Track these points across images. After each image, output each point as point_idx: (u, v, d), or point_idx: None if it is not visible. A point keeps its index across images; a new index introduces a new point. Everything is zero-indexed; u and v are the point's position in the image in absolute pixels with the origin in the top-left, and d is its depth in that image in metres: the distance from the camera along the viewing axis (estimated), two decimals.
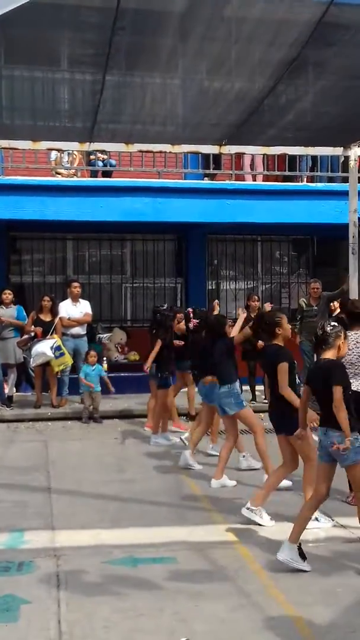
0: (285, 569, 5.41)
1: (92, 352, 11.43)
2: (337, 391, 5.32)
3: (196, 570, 5.49)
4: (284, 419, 6.32)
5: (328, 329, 5.55)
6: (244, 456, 8.25)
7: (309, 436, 6.15)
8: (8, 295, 11.94)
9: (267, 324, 6.62)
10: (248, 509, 6.35)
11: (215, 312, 8.92)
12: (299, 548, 5.38)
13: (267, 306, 7.96)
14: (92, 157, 13.21)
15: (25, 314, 12.04)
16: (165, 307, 10.51)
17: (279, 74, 7.58)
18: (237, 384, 7.64)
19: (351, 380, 6.72)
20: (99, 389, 11.29)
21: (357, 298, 11.23)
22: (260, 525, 6.29)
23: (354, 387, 6.61)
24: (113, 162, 13.45)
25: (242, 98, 8.36)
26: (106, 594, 5.08)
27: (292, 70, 7.50)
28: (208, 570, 5.47)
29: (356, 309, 7.11)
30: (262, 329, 6.83)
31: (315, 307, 12.10)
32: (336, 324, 5.67)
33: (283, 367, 6.29)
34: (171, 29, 6.64)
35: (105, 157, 13.20)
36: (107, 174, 13.48)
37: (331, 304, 11.60)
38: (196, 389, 9.42)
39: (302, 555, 5.36)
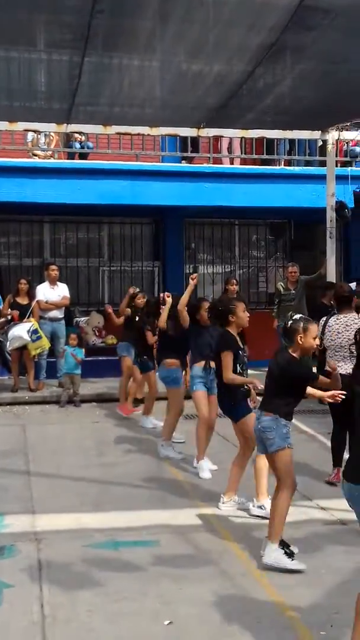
0: None
1: (73, 335, 11.40)
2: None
3: (179, 553, 5.51)
4: (232, 406, 6.45)
5: (289, 323, 5.54)
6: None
7: None
8: None
9: (220, 310, 6.62)
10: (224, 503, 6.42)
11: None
12: (286, 546, 5.30)
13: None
14: (71, 139, 13.10)
15: (0, 297, 11.96)
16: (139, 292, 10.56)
17: (258, 58, 7.55)
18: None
19: (340, 364, 6.79)
20: (79, 372, 11.25)
21: (335, 281, 11.32)
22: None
23: (342, 371, 6.65)
24: (90, 144, 13.34)
25: (220, 82, 8.32)
26: (89, 577, 5.08)
27: (271, 55, 7.47)
28: (191, 554, 5.49)
29: (344, 293, 7.16)
30: (216, 316, 6.79)
31: (293, 291, 12.12)
32: (298, 317, 5.60)
33: (227, 355, 6.33)
34: (150, 11, 6.57)
35: (82, 138, 13.08)
36: (84, 156, 13.37)
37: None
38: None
39: (290, 554, 5.23)
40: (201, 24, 6.85)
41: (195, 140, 13.10)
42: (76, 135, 12.71)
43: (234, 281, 12.55)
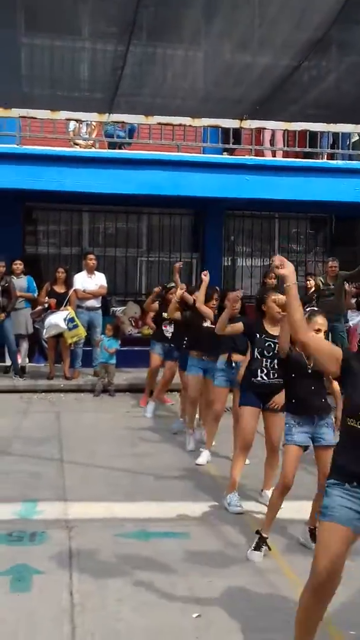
0: (299, 549, 5.40)
1: (109, 325, 11.44)
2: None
3: (209, 546, 5.49)
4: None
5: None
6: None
7: None
8: (19, 265, 11.97)
9: (257, 299, 6.62)
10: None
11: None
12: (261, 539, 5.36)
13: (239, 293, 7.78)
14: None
15: (35, 285, 12.04)
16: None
17: (304, 53, 7.43)
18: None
19: None
20: (114, 361, 11.28)
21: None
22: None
23: None
24: (121, 133, 13.25)
25: (265, 76, 8.22)
26: (118, 567, 5.08)
27: (317, 50, 7.36)
28: (221, 548, 5.47)
29: None
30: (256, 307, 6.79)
31: (332, 286, 11.99)
32: (313, 308, 5.55)
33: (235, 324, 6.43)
34: (196, 5, 6.51)
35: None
36: (119, 146, 13.33)
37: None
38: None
39: (257, 546, 5.33)
40: (247, 21, 6.77)
41: (237, 132, 13.00)
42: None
43: (273, 275, 12.45)
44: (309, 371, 5.40)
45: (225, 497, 6.34)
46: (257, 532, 5.41)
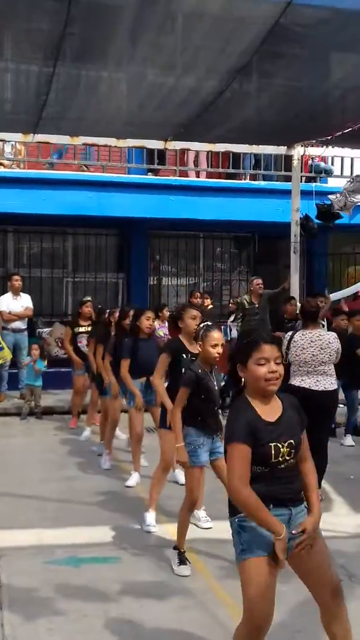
0: (230, 568, 5.41)
1: (35, 346, 11.33)
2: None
3: (141, 570, 5.46)
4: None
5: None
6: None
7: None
8: None
9: (172, 316, 6.69)
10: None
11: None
12: (180, 552, 5.43)
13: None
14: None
15: None
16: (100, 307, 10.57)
17: (228, 80, 7.60)
18: None
19: (303, 379, 6.90)
20: (40, 383, 11.17)
21: (298, 296, 11.39)
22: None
23: (305, 385, 6.70)
24: None
25: (189, 100, 8.36)
26: (49, 595, 5.00)
27: (240, 78, 7.52)
28: (153, 570, 5.44)
29: (310, 308, 7.19)
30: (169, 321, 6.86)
31: (257, 305, 12.16)
32: (207, 323, 5.64)
33: (161, 357, 6.33)
34: (121, 33, 6.56)
35: None
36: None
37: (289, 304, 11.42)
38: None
39: (182, 560, 5.41)
40: (171, 46, 6.86)
41: (161, 153, 13.13)
42: None
43: (198, 294, 12.59)
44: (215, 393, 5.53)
45: (142, 516, 6.34)
46: (175, 547, 5.46)
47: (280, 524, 3.45)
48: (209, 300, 12.85)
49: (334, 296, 11.52)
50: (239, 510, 3.55)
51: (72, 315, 10.48)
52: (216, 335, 5.41)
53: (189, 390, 5.45)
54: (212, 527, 6.25)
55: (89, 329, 10.12)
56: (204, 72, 7.41)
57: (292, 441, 3.53)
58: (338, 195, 11.34)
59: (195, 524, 6.12)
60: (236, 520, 3.59)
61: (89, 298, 10.85)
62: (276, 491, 3.50)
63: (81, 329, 10.29)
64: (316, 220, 11.74)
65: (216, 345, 5.42)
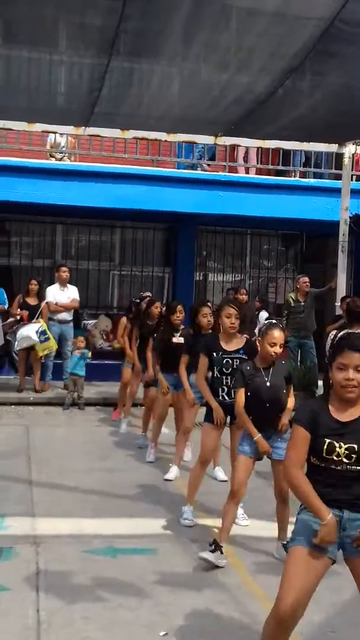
0: (265, 564, 5.43)
1: (80, 338, 11.42)
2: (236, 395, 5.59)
3: (176, 563, 5.50)
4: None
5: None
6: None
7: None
8: None
9: (213, 312, 6.71)
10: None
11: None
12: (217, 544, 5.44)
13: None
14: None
15: (5, 296, 11.95)
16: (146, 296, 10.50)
17: (280, 80, 7.55)
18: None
19: None
20: (83, 374, 11.27)
21: (350, 296, 11.28)
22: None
23: None
24: None
25: (240, 100, 8.33)
26: (86, 584, 5.07)
27: (293, 78, 7.48)
28: (188, 564, 5.47)
29: (356, 308, 7.13)
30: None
31: (303, 303, 12.10)
32: (271, 321, 5.66)
33: (200, 358, 6.32)
34: (174, 33, 6.55)
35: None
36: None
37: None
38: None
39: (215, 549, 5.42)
40: (225, 46, 6.84)
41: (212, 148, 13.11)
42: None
43: (243, 290, 12.56)
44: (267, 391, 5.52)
45: (180, 510, 6.38)
46: (214, 540, 5.47)
47: (326, 510, 3.48)
48: (244, 295, 12.67)
49: None
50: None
51: (135, 313, 10.06)
52: (277, 334, 5.44)
53: (244, 388, 5.52)
54: (249, 525, 6.25)
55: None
56: (257, 72, 7.37)
57: (354, 446, 3.52)
58: None
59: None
60: (297, 511, 3.71)
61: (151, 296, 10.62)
62: (330, 491, 3.53)
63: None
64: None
65: (275, 344, 5.43)
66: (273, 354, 5.47)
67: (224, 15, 6.15)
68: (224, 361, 6.15)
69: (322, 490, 3.53)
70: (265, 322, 5.64)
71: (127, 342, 9.99)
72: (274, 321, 5.64)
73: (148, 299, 9.92)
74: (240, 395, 5.55)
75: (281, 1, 6.01)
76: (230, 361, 6.13)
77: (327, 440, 3.52)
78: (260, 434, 5.45)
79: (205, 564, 5.37)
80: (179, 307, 8.14)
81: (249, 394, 5.52)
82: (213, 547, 5.41)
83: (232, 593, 4.99)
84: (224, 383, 6.15)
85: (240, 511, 6.25)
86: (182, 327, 8.10)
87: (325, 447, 3.52)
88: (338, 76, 7.45)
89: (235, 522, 6.05)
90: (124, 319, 10.34)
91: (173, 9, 6.14)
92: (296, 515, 3.72)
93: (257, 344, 5.58)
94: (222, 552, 5.39)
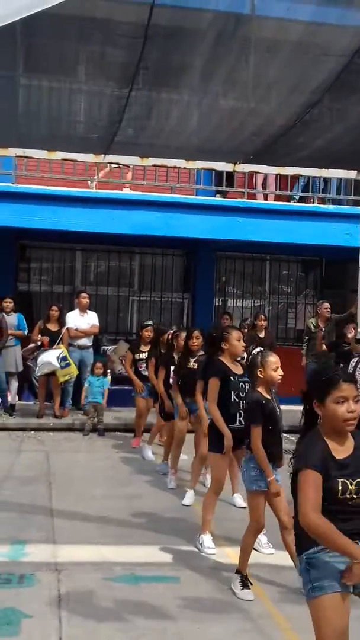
0: (289, 594, 5.37)
1: (99, 364, 11.44)
2: (253, 432, 5.42)
3: (199, 591, 5.45)
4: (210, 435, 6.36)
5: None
6: None
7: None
8: (9, 303, 11.89)
9: (214, 337, 6.60)
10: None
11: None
12: (244, 577, 5.39)
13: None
14: None
15: (25, 322, 12.01)
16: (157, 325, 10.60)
17: (298, 115, 7.60)
18: None
19: None
20: (103, 400, 11.30)
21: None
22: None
23: None
24: None
25: (259, 134, 8.38)
26: (107, 611, 5.04)
27: (312, 113, 7.52)
28: (211, 592, 5.43)
29: None
30: (209, 342, 6.79)
31: (324, 329, 12.06)
32: (256, 351, 5.62)
33: (212, 382, 6.25)
34: (194, 70, 6.63)
35: None
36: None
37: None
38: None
39: (245, 584, 5.36)
40: (244, 82, 6.90)
41: (230, 175, 13.19)
42: None
43: (263, 316, 12.55)
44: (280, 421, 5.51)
45: (198, 539, 6.33)
46: (237, 571, 5.43)
47: (356, 548, 3.34)
48: (264, 322, 12.61)
49: None
50: (306, 546, 3.50)
51: (133, 340, 10.54)
52: (274, 359, 5.46)
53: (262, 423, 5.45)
54: (273, 553, 6.20)
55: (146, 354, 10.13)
56: (276, 107, 7.42)
57: None
58: None
59: (256, 549, 6.09)
60: (304, 557, 3.52)
61: (151, 322, 10.83)
62: (349, 528, 3.44)
63: (141, 355, 10.29)
64: None
65: (277, 367, 5.44)
66: (279, 377, 5.49)
67: (243, 51, 6.20)
68: (240, 385, 6.16)
69: (339, 528, 3.40)
70: (257, 352, 5.66)
71: (131, 372, 10.24)
72: (260, 348, 5.67)
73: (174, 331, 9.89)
74: (259, 432, 5.42)
75: (301, 37, 6.07)
76: (244, 385, 6.15)
77: (340, 481, 3.45)
78: (273, 476, 5.40)
79: (222, 592, 5.34)
80: (196, 333, 8.17)
81: (270, 427, 5.46)
82: (240, 582, 5.38)
83: (256, 623, 4.94)
84: (242, 407, 6.14)
85: (264, 539, 6.21)
86: (199, 353, 8.12)
87: (340, 487, 3.44)
88: (356, 110, 7.49)
89: (258, 550, 6.02)
90: (129, 352, 10.44)
91: (193, 45, 6.21)
92: (308, 559, 3.52)
93: (260, 374, 5.53)
94: (249, 587, 5.36)
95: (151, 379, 9.55)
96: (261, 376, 5.48)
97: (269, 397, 5.53)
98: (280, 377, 5.49)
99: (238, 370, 6.25)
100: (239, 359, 6.50)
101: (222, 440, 6.11)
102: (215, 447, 6.18)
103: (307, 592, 3.52)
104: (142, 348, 10.32)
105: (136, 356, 10.38)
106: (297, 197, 13.94)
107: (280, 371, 5.48)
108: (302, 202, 13.85)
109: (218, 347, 6.39)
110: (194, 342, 8.11)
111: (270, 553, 6.20)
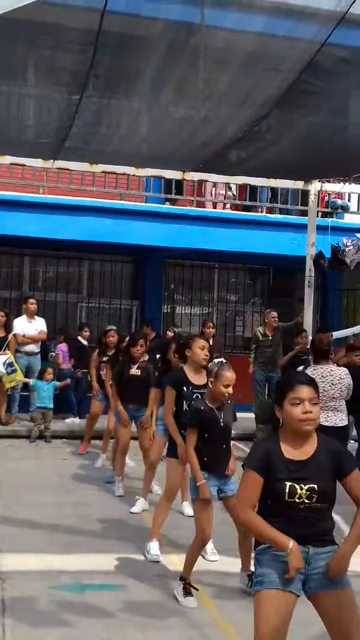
0: (235, 601, 5.40)
1: (49, 369, 11.39)
2: (187, 436, 5.59)
3: (145, 599, 5.45)
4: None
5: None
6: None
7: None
8: None
9: (180, 344, 6.62)
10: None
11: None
12: (187, 584, 5.41)
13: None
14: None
15: None
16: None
17: (247, 127, 7.69)
18: None
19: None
20: (52, 406, 11.23)
21: (311, 330, 11.40)
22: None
23: (323, 421, 6.68)
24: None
25: (208, 144, 8.46)
26: (53, 620, 5.00)
27: (261, 125, 7.62)
28: (157, 600, 5.43)
29: (322, 346, 7.21)
30: (175, 350, 6.82)
31: (271, 337, 12.17)
32: (217, 361, 5.67)
33: (167, 391, 6.26)
34: (149, 70, 6.65)
35: None
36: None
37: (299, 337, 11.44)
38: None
39: (188, 592, 5.38)
40: (194, 95, 6.95)
41: (179, 183, 13.25)
42: None
43: (211, 324, 12.61)
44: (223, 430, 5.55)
45: (145, 545, 6.32)
46: (181, 578, 5.44)
47: (287, 538, 3.45)
48: (212, 329, 12.68)
49: (338, 334, 11.38)
50: (257, 543, 3.62)
51: (98, 343, 10.45)
52: (229, 375, 5.48)
53: (198, 429, 5.48)
54: (218, 560, 6.23)
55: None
56: (226, 119, 7.52)
57: (314, 486, 3.52)
58: (351, 244, 11.46)
59: (202, 556, 6.10)
60: (255, 554, 3.65)
61: (113, 327, 10.72)
62: (295, 531, 3.50)
63: (104, 358, 10.19)
64: (328, 256, 11.80)
65: (228, 385, 5.47)
66: (227, 394, 5.51)
67: (194, 61, 6.24)
68: (194, 396, 6.12)
69: (285, 529, 3.49)
70: (217, 362, 5.68)
71: (94, 375, 10.04)
72: (223, 361, 5.69)
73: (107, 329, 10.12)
74: (193, 437, 5.49)
75: (252, 48, 6.13)
76: (200, 396, 6.09)
77: (288, 484, 3.50)
78: (203, 480, 5.43)
79: (169, 600, 5.35)
80: (141, 342, 8.19)
81: (206, 435, 5.50)
82: (183, 589, 5.39)
83: (202, 630, 4.95)
84: None
85: (210, 546, 6.23)
86: (142, 359, 8.15)
87: (287, 490, 3.50)
88: (304, 124, 7.63)
89: (203, 557, 6.04)
90: (95, 355, 10.33)
91: (145, 53, 6.22)
92: (254, 560, 3.66)
93: (210, 384, 5.57)
94: (192, 595, 5.37)
95: (106, 385, 9.52)
96: (210, 386, 5.52)
97: (212, 407, 5.55)
98: (228, 394, 5.50)
99: (199, 380, 6.17)
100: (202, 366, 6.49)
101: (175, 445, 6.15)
102: (173, 452, 6.19)
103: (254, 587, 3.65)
104: (108, 352, 10.19)
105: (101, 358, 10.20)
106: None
107: (230, 389, 5.50)
108: (250, 212, 13.98)
109: (182, 355, 6.38)
110: (137, 350, 8.11)
111: (215, 560, 6.22)
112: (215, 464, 5.52)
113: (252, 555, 3.80)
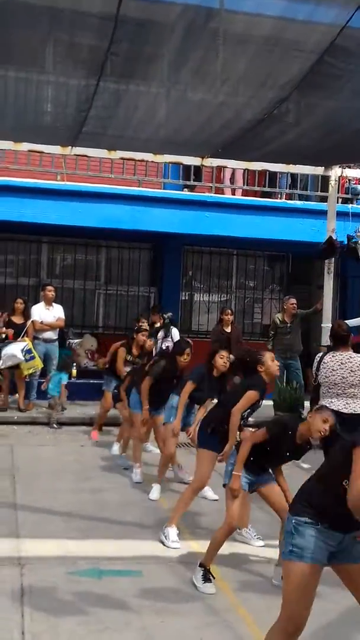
0: (253, 588, 5.39)
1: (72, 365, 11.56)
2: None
3: (163, 585, 5.45)
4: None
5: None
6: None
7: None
8: None
9: (247, 362, 6.31)
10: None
11: None
12: (207, 570, 5.39)
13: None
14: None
15: None
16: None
17: (267, 110, 7.60)
18: None
19: (332, 400, 6.87)
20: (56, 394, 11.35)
21: (330, 317, 11.32)
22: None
23: (334, 407, 6.65)
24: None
25: (227, 127, 8.37)
26: (71, 605, 5.02)
27: (281, 108, 7.54)
28: (175, 586, 5.43)
29: (342, 332, 7.16)
30: (244, 368, 6.57)
31: (290, 324, 12.12)
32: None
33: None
34: (168, 51, 6.59)
35: None
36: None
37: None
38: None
39: (207, 578, 5.36)
40: (214, 75, 6.88)
41: (197, 169, 13.18)
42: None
43: (229, 311, 12.57)
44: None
45: (163, 531, 6.31)
46: (201, 564, 5.42)
47: None
48: (230, 316, 12.58)
49: (354, 322, 11.16)
50: (299, 511, 3.76)
51: (127, 338, 10.42)
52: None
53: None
54: (264, 545, 6.21)
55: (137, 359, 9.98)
56: (245, 101, 7.42)
57: None
58: None
59: (247, 543, 6.24)
60: (293, 520, 3.76)
61: (147, 328, 10.67)
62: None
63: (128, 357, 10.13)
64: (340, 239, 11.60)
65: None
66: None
67: (213, 45, 6.17)
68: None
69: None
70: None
71: (122, 369, 10.00)
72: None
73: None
74: (262, 437, 5.37)
75: (271, 32, 6.06)
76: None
77: None
78: (241, 473, 5.40)
79: (186, 586, 5.34)
80: (188, 350, 7.99)
81: (268, 448, 5.41)
82: (203, 576, 5.37)
83: (220, 616, 4.95)
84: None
85: (253, 532, 6.30)
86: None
87: None
88: (325, 107, 7.53)
89: (249, 543, 6.19)
90: (124, 350, 10.24)
91: (162, 37, 6.17)
92: (297, 524, 3.74)
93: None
94: (210, 581, 5.35)
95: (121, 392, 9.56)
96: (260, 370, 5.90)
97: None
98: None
99: None
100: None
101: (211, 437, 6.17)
102: (209, 444, 6.19)
103: (285, 551, 3.82)
104: (134, 351, 10.14)
105: (127, 357, 10.19)
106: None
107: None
108: (269, 198, 13.88)
109: (254, 370, 6.19)
110: (184, 359, 7.93)
111: (260, 545, 6.24)
112: (258, 465, 5.49)
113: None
